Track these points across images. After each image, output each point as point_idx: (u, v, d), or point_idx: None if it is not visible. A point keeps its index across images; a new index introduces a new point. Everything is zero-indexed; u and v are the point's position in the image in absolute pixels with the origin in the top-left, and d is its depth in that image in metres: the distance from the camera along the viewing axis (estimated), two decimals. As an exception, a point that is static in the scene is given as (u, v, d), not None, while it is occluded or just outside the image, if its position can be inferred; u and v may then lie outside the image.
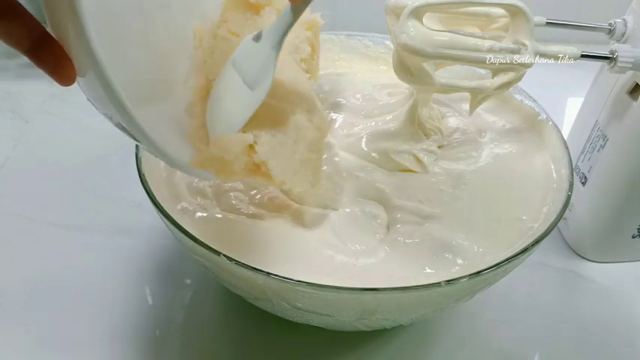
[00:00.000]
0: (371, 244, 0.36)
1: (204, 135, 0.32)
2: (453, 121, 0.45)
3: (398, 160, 0.40)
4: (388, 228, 0.37)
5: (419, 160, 0.41)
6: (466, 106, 0.42)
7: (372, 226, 0.37)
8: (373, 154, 0.41)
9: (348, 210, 0.38)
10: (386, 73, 0.50)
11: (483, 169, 0.41)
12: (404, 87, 0.45)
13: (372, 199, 0.39)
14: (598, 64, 0.43)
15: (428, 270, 0.34)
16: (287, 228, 0.36)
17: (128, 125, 0.27)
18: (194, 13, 0.35)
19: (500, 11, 0.38)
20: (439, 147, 0.42)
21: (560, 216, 0.35)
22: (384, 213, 0.38)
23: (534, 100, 0.45)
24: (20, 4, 0.26)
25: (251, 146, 0.32)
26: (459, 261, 0.35)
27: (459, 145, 0.43)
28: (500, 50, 0.36)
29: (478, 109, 0.41)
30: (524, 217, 0.37)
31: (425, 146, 0.41)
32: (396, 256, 0.35)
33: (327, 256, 0.35)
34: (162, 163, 0.39)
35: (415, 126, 0.42)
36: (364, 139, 0.42)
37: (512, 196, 0.39)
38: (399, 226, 0.37)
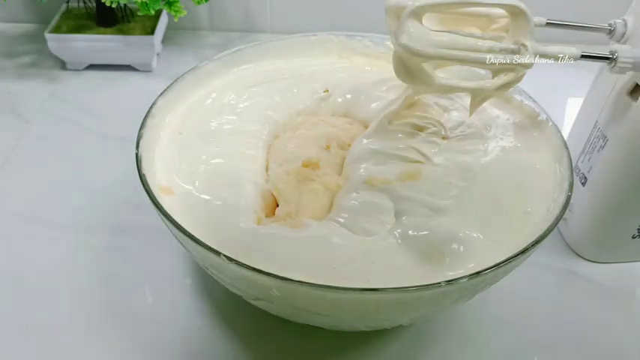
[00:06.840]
0: (379, 234, 0.35)
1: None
2: (458, 115, 0.44)
3: (397, 154, 0.40)
4: (396, 218, 0.37)
5: (420, 152, 0.40)
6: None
7: (379, 217, 0.36)
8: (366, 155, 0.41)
9: (354, 201, 0.38)
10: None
11: (491, 162, 0.40)
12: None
13: (378, 190, 0.38)
14: (598, 64, 0.42)
15: (436, 262, 0.34)
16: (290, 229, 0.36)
17: None
18: None
19: (501, 11, 0.38)
20: (443, 138, 0.42)
21: (560, 216, 0.35)
22: (391, 203, 0.37)
23: (534, 101, 0.44)
24: None
25: None
26: (469, 255, 0.34)
27: (465, 138, 0.42)
28: (501, 50, 0.36)
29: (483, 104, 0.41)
30: (530, 210, 0.37)
31: (423, 137, 0.41)
32: (404, 248, 0.35)
33: (335, 245, 0.34)
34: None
35: (387, 127, 0.41)
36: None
37: (520, 190, 0.38)
38: (404, 218, 0.36)
